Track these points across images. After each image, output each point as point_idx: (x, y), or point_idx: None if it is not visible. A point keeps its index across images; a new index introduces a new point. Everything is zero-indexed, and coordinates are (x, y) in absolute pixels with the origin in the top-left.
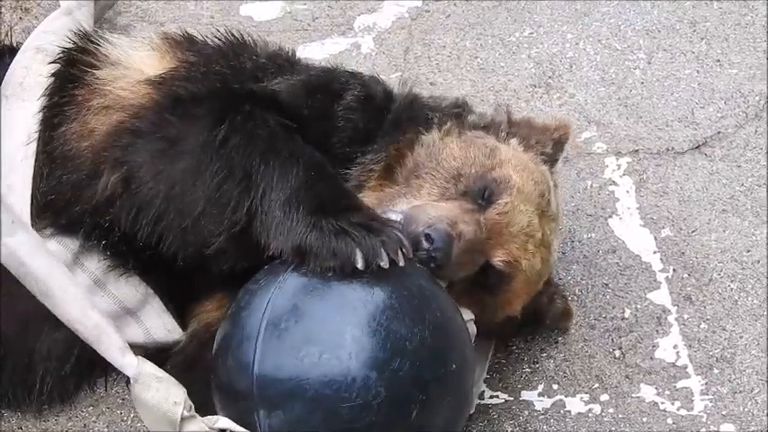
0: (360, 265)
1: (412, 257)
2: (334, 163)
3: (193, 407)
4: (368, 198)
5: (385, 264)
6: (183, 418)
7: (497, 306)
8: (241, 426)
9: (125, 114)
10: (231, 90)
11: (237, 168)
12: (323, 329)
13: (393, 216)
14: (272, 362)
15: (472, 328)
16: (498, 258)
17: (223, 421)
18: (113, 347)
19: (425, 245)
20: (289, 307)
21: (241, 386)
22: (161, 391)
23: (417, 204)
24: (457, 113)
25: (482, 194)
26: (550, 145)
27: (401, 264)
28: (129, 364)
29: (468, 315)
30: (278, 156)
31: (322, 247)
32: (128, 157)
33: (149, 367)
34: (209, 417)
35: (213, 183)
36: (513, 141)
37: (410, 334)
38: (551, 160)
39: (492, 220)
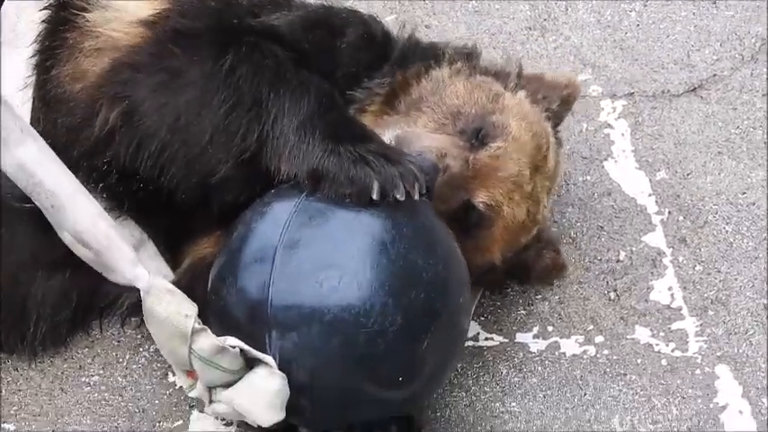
0: (375, 195)
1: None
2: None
3: (200, 323)
4: (366, 122)
5: (401, 197)
6: (194, 332)
7: (476, 249)
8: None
9: (119, 54)
10: (230, 24)
11: (246, 96)
12: (343, 254)
13: (385, 139)
14: (289, 285)
15: None
16: (480, 199)
17: (233, 340)
18: (124, 259)
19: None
20: (307, 230)
21: (248, 310)
22: (173, 305)
23: (411, 130)
24: (468, 55)
25: (477, 135)
26: (557, 102)
27: (416, 197)
28: (142, 275)
29: None
30: (288, 84)
31: (340, 172)
32: (128, 92)
33: (162, 281)
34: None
35: (221, 112)
36: (521, 93)
37: (426, 264)
38: (557, 118)
39: (481, 161)
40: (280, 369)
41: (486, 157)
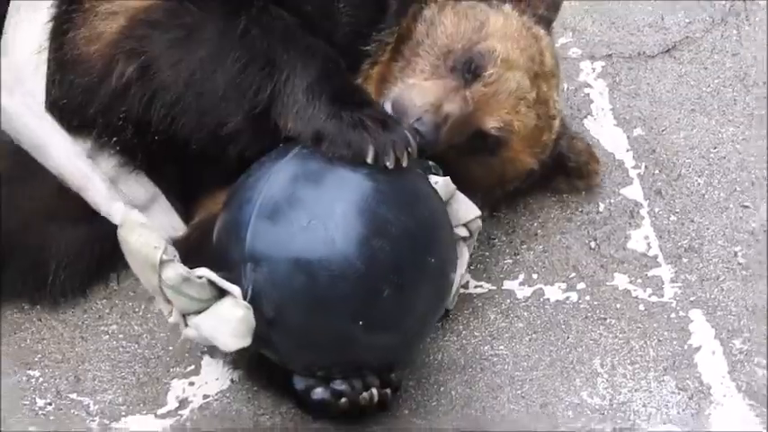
0: (369, 159)
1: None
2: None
3: (177, 255)
4: (378, 72)
5: (390, 164)
6: (162, 262)
7: (503, 164)
8: (226, 280)
9: (135, 13)
10: None
11: (260, 55)
12: (316, 202)
13: (386, 106)
14: (266, 223)
15: (478, 227)
16: (489, 125)
17: (202, 270)
18: (99, 195)
19: (417, 133)
20: (294, 181)
21: (230, 244)
22: (143, 236)
23: (405, 89)
24: None
25: (468, 68)
26: (543, 6)
27: (404, 164)
28: (116, 210)
29: (471, 213)
30: (298, 46)
31: (338, 135)
32: (144, 47)
33: (135, 214)
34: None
35: (235, 69)
36: (506, 7)
37: (396, 220)
38: (547, 21)
39: (478, 93)
40: (251, 301)
41: (481, 88)
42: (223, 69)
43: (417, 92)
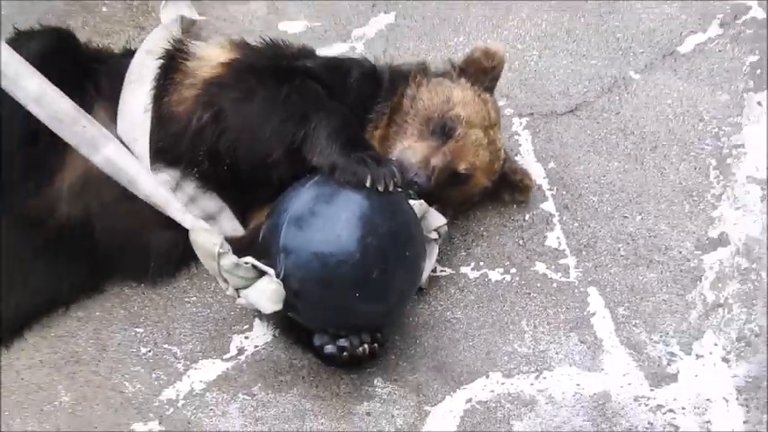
0: (368, 184)
1: (399, 186)
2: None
3: (230, 249)
4: (380, 134)
5: (381, 188)
6: (219, 254)
7: (472, 186)
8: (265, 265)
9: (209, 81)
10: (282, 64)
11: (297, 112)
12: (328, 213)
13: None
14: (295, 226)
15: (444, 231)
16: (461, 168)
17: (248, 258)
18: (176, 210)
19: (415, 183)
20: (316, 199)
21: (270, 240)
22: (206, 237)
23: (402, 150)
24: (423, 69)
25: (443, 131)
26: (488, 80)
27: (390, 189)
28: (188, 219)
29: (439, 221)
30: (324, 107)
31: (347, 167)
32: (216, 101)
33: (200, 222)
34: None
35: (278, 119)
36: (462, 80)
37: (383, 225)
38: (491, 87)
39: (452, 147)
40: (282, 279)
41: (454, 143)
42: (270, 119)
43: (411, 152)
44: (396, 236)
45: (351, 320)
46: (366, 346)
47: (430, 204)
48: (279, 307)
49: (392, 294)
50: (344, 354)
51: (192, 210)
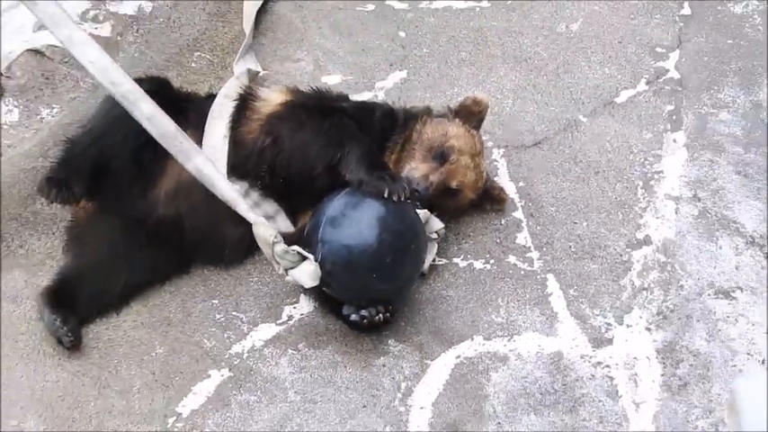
0: (386, 195)
1: (408, 198)
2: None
3: (282, 240)
4: (395, 158)
5: (395, 198)
6: (273, 242)
7: (462, 198)
8: (308, 252)
9: (270, 116)
10: (326, 104)
11: (335, 140)
12: (355, 215)
13: (403, 176)
14: (330, 225)
15: (442, 232)
16: (453, 184)
17: (295, 247)
18: (244, 208)
19: (417, 192)
20: (346, 205)
21: (312, 234)
22: (265, 229)
23: (410, 169)
24: (428, 111)
25: (441, 156)
26: (475, 120)
27: (402, 199)
28: (251, 217)
29: (438, 225)
30: (355, 137)
31: (370, 182)
32: (275, 129)
33: (260, 219)
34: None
35: (321, 145)
36: (457, 120)
37: (395, 224)
38: (477, 125)
39: (447, 169)
40: (320, 263)
41: (449, 166)
42: (315, 144)
43: (416, 171)
44: (404, 233)
45: (370, 295)
46: (381, 315)
47: (431, 212)
48: (316, 283)
49: (401, 277)
50: (365, 321)
51: (256, 212)
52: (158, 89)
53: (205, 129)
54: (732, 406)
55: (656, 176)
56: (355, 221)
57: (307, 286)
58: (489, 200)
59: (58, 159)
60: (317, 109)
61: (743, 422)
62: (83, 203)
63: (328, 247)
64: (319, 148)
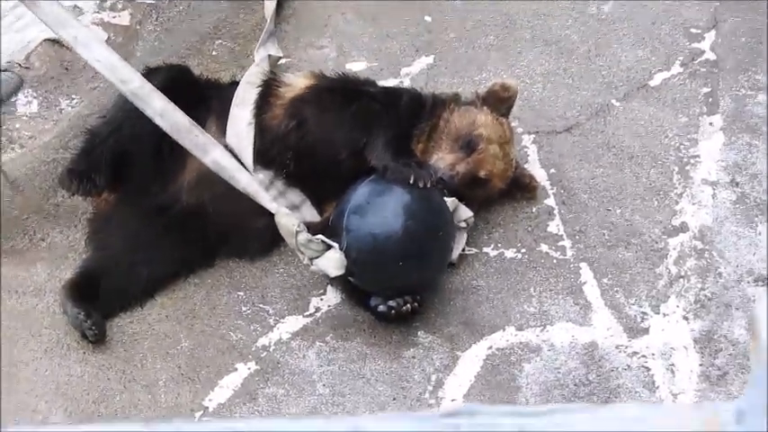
0: (411, 182)
1: (433, 184)
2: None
3: (305, 229)
4: (421, 146)
5: (421, 185)
6: (297, 232)
7: (491, 188)
8: (332, 241)
9: (294, 99)
10: (352, 88)
11: (361, 125)
12: (380, 202)
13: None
14: (356, 212)
15: (471, 221)
16: (482, 173)
17: (319, 236)
18: (265, 199)
19: (441, 181)
20: (371, 192)
21: (337, 222)
22: (287, 219)
23: (438, 158)
24: (455, 98)
25: (468, 145)
26: (504, 107)
27: (428, 186)
28: (273, 207)
29: (467, 214)
30: (381, 123)
31: (396, 169)
32: (299, 113)
33: (283, 209)
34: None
35: (347, 129)
36: (485, 108)
37: (421, 211)
38: (507, 112)
39: (475, 159)
40: (345, 251)
41: (476, 156)
42: (342, 128)
43: (443, 161)
44: (431, 220)
45: (397, 285)
46: (409, 305)
47: (460, 201)
48: (341, 272)
49: (428, 265)
50: (393, 311)
51: (282, 202)
52: (179, 77)
53: (229, 116)
54: (754, 334)
55: (692, 161)
56: (381, 209)
57: (332, 276)
58: (519, 188)
59: (78, 151)
60: (342, 93)
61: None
62: (105, 195)
63: (353, 235)
64: (345, 132)
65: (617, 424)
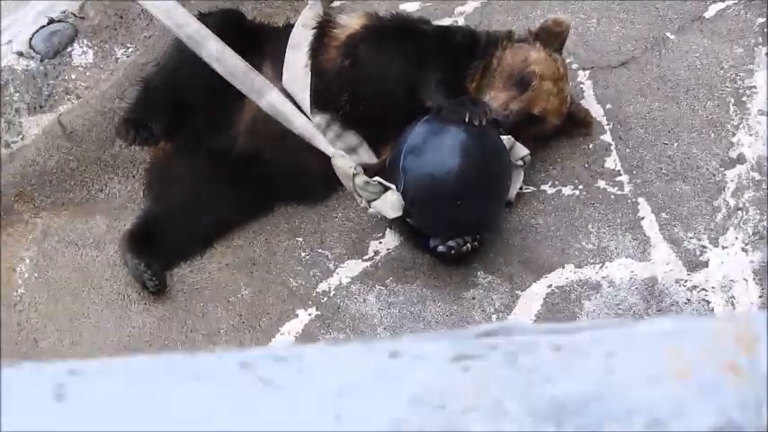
0: (467, 120)
1: (489, 122)
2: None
3: (362, 171)
4: (475, 85)
5: (476, 123)
6: (354, 174)
7: (546, 125)
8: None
9: (349, 38)
10: (407, 25)
11: (415, 63)
12: (436, 142)
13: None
14: (411, 151)
15: (528, 159)
16: (536, 111)
17: (376, 178)
18: (322, 142)
19: (497, 120)
20: (427, 131)
21: (394, 163)
22: (343, 161)
23: (491, 97)
24: (509, 36)
25: (521, 83)
26: (557, 43)
27: (483, 123)
28: (329, 150)
29: (524, 152)
30: (435, 61)
31: (450, 109)
32: (353, 51)
33: (339, 151)
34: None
35: (401, 67)
36: (537, 44)
37: (477, 149)
38: (560, 47)
39: (528, 96)
40: (402, 193)
41: (530, 93)
42: (395, 66)
43: (496, 99)
44: (487, 158)
45: (455, 224)
46: (469, 245)
47: (516, 139)
48: (399, 213)
49: (486, 203)
50: (453, 251)
51: (338, 144)
52: (232, 22)
53: (285, 60)
54: None
55: (747, 92)
56: (437, 148)
57: (390, 217)
58: (575, 124)
59: (133, 100)
60: (396, 30)
61: None
62: (162, 144)
63: (410, 175)
64: (398, 70)
65: (649, 339)
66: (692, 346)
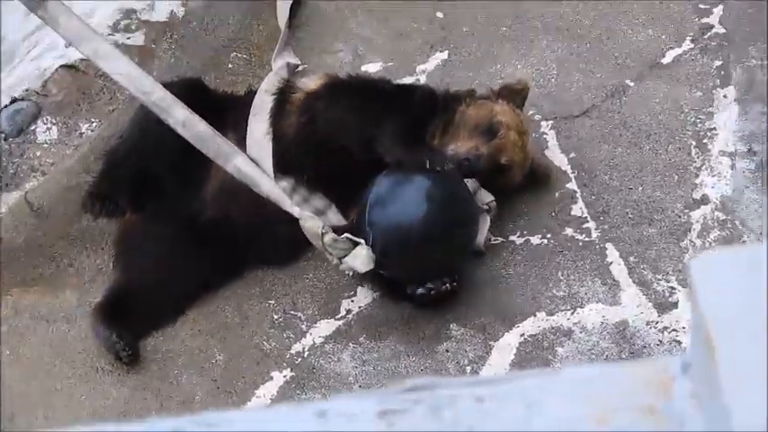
0: (427, 166)
1: (452, 169)
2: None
3: (330, 230)
4: (436, 142)
5: (438, 168)
6: (322, 234)
7: (510, 177)
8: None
9: (306, 96)
10: (362, 84)
11: (372, 120)
12: (400, 192)
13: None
14: (377, 205)
15: (493, 205)
16: (503, 160)
17: (345, 234)
18: (288, 204)
19: (466, 162)
20: (386, 185)
21: (360, 218)
22: (313, 222)
23: (457, 146)
24: (471, 93)
25: (489, 131)
26: (519, 100)
27: (446, 169)
28: (297, 211)
29: (489, 197)
30: (396, 113)
31: (409, 158)
32: (310, 108)
33: (306, 213)
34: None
35: (358, 124)
36: (501, 101)
37: (441, 195)
38: (521, 105)
39: (496, 144)
40: (372, 246)
41: (498, 141)
42: (352, 123)
43: (463, 147)
44: (451, 200)
45: (427, 269)
46: (447, 285)
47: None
48: (371, 267)
49: (455, 245)
50: (432, 292)
51: (306, 208)
52: (192, 91)
53: (247, 127)
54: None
55: (708, 134)
56: (401, 198)
57: (361, 272)
58: (536, 180)
59: (98, 173)
60: (354, 87)
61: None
62: (128, 215)
63: (378, 227)
64: (355, 125)
65: (569, 386)
66: (611, 391)
